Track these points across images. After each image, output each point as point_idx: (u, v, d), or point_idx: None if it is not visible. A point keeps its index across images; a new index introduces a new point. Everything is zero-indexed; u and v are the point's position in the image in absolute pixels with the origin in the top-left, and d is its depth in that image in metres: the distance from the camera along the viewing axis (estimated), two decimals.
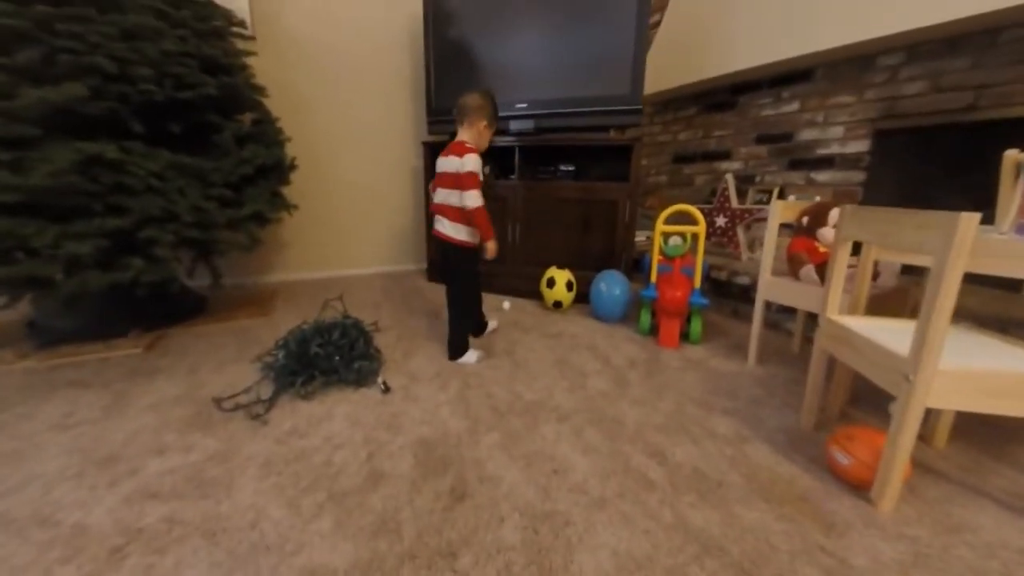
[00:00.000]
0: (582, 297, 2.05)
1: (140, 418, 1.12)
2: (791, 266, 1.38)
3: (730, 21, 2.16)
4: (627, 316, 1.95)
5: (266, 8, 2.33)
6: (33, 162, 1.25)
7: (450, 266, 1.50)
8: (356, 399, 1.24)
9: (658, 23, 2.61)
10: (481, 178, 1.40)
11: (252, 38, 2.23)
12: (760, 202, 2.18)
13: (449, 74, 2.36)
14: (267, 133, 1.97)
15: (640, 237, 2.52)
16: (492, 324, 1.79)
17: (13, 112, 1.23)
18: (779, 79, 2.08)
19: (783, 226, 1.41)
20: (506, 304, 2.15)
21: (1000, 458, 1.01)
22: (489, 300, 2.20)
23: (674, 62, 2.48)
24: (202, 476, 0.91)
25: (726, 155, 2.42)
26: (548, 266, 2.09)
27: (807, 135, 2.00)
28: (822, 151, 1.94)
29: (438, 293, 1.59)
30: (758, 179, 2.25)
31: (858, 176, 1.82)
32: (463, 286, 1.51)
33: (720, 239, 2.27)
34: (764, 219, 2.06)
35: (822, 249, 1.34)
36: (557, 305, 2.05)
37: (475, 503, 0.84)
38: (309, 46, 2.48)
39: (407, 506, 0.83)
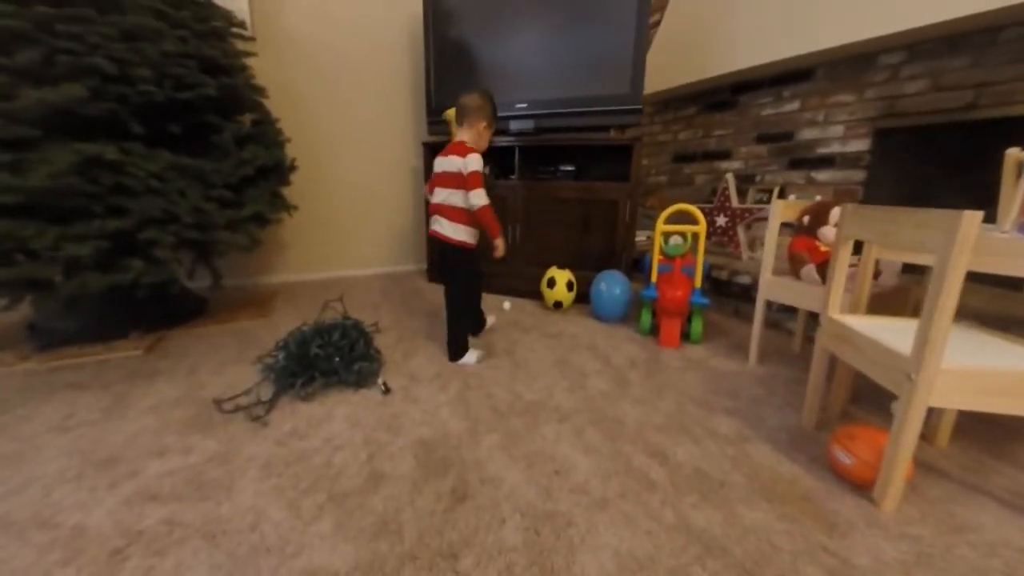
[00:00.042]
0: (582, 297, 2.04)
1: (140, 420, 1.12)
2: (792, 265, 1.38)
3: (730, 20, 2.16)
4: (627, 316, 1.94)
5: (266, 8, 2.33)
6: (32, 163, 1.25)
7: (449, 267, 1.50)
8: (356, 400, 1.23)
9: (658, 23, 2.61)
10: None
11: (252, 39, 2.23)
12: (760, 201, 2.18)
13: (449, 74, 2.36)
14: (267, 134, 1.97)
15: (640, 237, 2.52)
16: (491, 320, 1.78)
17: (12, 113, 1.23)
18: (779, 78, 2.08)
19: (784, 225, 1.41)
20: (506, 304, 2.15)
21: (1002, 457, 1.01)
22: (489, 300, 2.19)
23: (674, 62, 2.48)
24: (202, 478, 0.91)
25: (726, 154, 2.41)
26: (548, 266, 2.08)
27: (807, 134, 2.00)
28: (822, 150, 1.94)
29: (438, 294, 1.58)
30: (758, 178, 2.24)
31: (858, 175, 1.82)
32: (463, 287, 1.51)
33: (720, 239, 2.26)
34: (764, 218, 2.06)
35: (823, 248, 1.33)
36: (557, 305, 2.05)
37: (476, 504, 0.84)
38: (309, 46, 2.48)
39: (408, 507, 0.83)
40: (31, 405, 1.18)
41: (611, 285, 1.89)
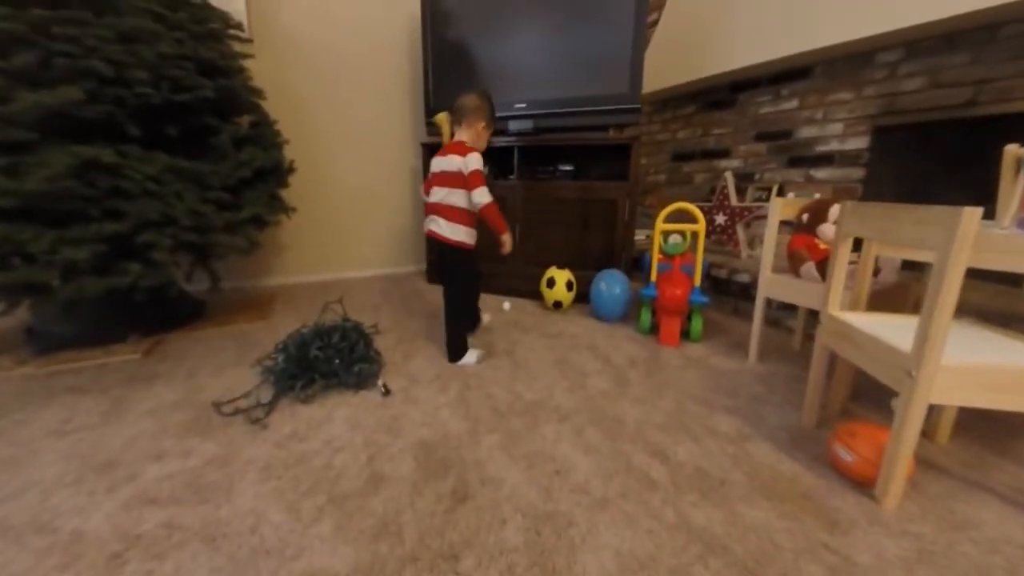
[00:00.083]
0: (582, 297, 2.04)
1: (138, 423, 1.12)
2: (791, 263, 1.38)
3: (728, 19, 2.16)
4: (627, 315, 1.94)
5: (263, 9, 2.33)
6: (29, 167, 1.25)
7: (447, 267, 1.49)
8: (356, 402, 1.23)
9: (656, 22, 2.61)
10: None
11: (249, 40, 2.23)
12: (759, 200, 2.18)
13: (447, 74, 2.36)
14: (265, 135, 1.97)
15: (640, 236, 2.52)
16: (486, 318, 1.78)
17: (9, 116, 1.22)
18: (778, 76, 2.08)
19: (783, 223, 1.41)
20: (506, 304, 2.14)
21: (1003, 453, 1.01)
22: (489, 300, 2.19)
23: (672, 61, 2.48)
24: (201, 481, 0.90)
25: (725, 153, 2.41)
26: (548, 266, 2.08)
27: (806, 132, 2.00)
28: (821, 148, 1.94)
29: (438, 295, 1.58)
30: (757, 177, 2.24)
31: (857, 173, 1.82)
32: (462, 287, 1.50)
33: (720, 237, 2.26)
34: (763, 217, 2.06)
35: (822, 246, 1.33)
36: (557, 305, 2.04)
37: (477, 505, 0.84)
38: (307, 47, 2.48)
39: (408, 509, 0.83)
40: (29, 409, 1.18)
41: (611, 284, 1.89)
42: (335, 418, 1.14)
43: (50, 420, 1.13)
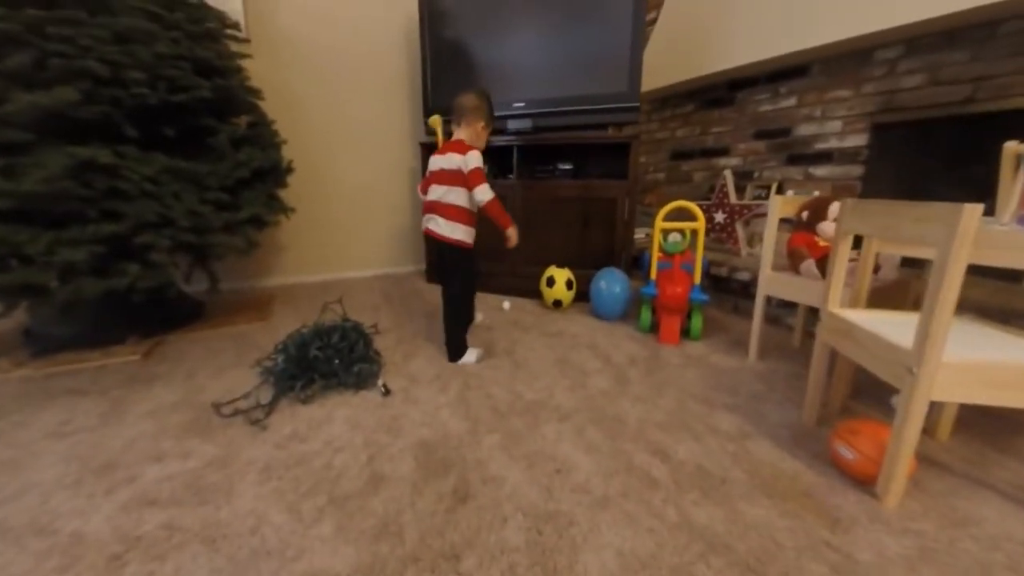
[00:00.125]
0: (582, 295, 2.04)
1: (138, 425, 1.11)
2: (791, 261, 1.38)
3: (727, 17, 2.15)
4: (627, 314, 1.94)
5: (260, 9, 2.32)
6: (25, 168, 1.24)
7: (447, 267, 1.49)
8: (356, 402, 1.23)
9: (654, 20, 2.60)
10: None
11: (247, 40, 2.22)
12: (759, 198, 2.18)
13: (446, 74, 2.35)
14: (263, 136, 1.96)
15: (639, 234, 2.52)
16: (479, 317, 1.78)
17: (4, 117, 1.22)
18: (776, 74, 2.08)
19: (782, 221, 1.40)
20: (506, 304, 2.14)
21: (1004, 450, 1.01)
22: (489, 300, 2.19)
23: (671, 59, 2.47)
24: (201, 482, 0.90)
25: (724, 151, 2.41)
26: (547, 265, 2.08)
27: (805, 130, 1.99)
28: (820, 146, 1.94)
29: (437, 294, 1.58)
30: (756, 175, 2.24)
31: (857, 170, 1.82)
32: (461, 286, 1.50)
33: (719, 235, 2.26)
34: (763, 215, 2.06)
35: (822, 243, 1.33)
36: (557, 304, 2.04)
37: (477, 504, 0.84)
38: (304, 47, 2.47)
39: (409, 509, 0.83)
40: (28, 411, 1.17)
41: (610, 283, 1.89)
42: (335, 418, 1.14)
43: (49, 422, 1.12)
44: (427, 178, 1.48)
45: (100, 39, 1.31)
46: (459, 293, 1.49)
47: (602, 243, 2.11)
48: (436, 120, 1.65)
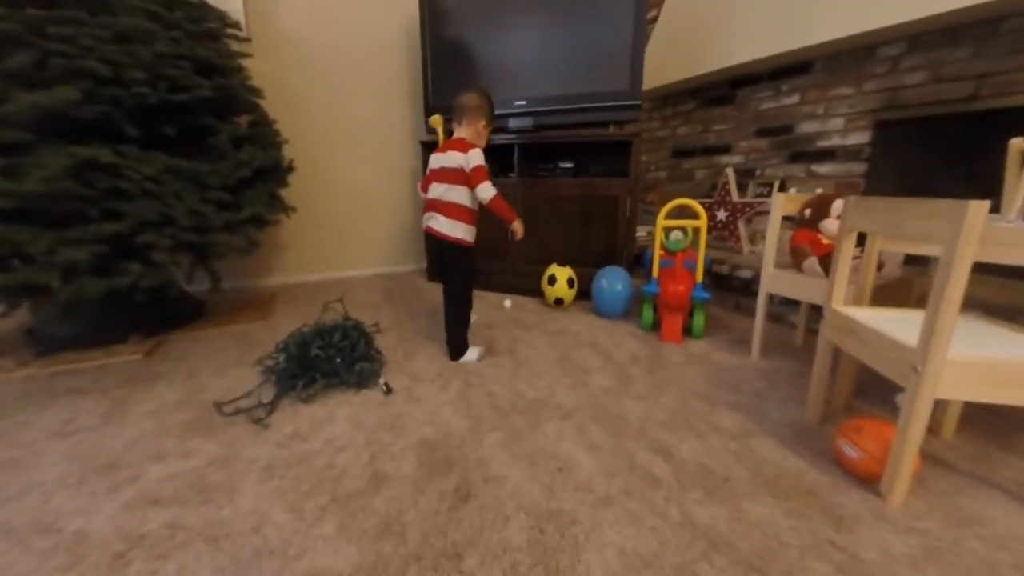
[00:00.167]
0: (583, 294, 2.04)
1: (140, 424, 1.11)
2: (794, 258, 1.37)
3: (728, 15, 2.14)
4: (629, 312, 1.94)
5: (260, 9, 2.31)
6: (26, 167, 1.24)
7: (447, 266, 1.48)
8: (358, 401, 1.23)
9: (655, 18, 2.59)
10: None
11: (247, 39, 2.22)
12: (761, 195, 2.17)
13: (446, 73, 2.35)
14: (264, 135, 1.96)
15: (641, 232, 2.51)
16: (473, 317, 1.77)
17: (5, 117, 1.22)
18: (778, 72, 2.07)
19: (785, 219, 1.40)
20: (507, 302, 2.14)
21: (1008, 448, 1.00)
22: (490, 298, 2.19)
23: (672, 57, 2.46)
24: (203, 481, 0.90)
25: (726, 149, 2.40)
26: (549, 263, 2.08)
27: (807, 127, 1.99)
28: (823, 143, 1.93)
29: (438, 293, 1.58)
30: (758, 172, 2.23)
31: (859, 167, 1.81)
32: (462, 285, 1.49)
33: (721, 233, 2.26)
34: (765, 212, 2.06)
35: (825, 241, 1.33)
36: (558, 302, 2.04)
37: (480, 503, 0.83)
38: (305, 47, 2.47)
39: (411, 508, 0.82)
40: (30, 411, 1.18)
41: (612, 281, 1.88)
42: (337, 417, 1.14)
43: (52, 421, 1.12)
44: (427, 176, 1.47)
45: (101, 39, 1.31)
46: (459, 292, 1.49)
47: (603, 241, 2.11)
48: (437, 119, 1.64)
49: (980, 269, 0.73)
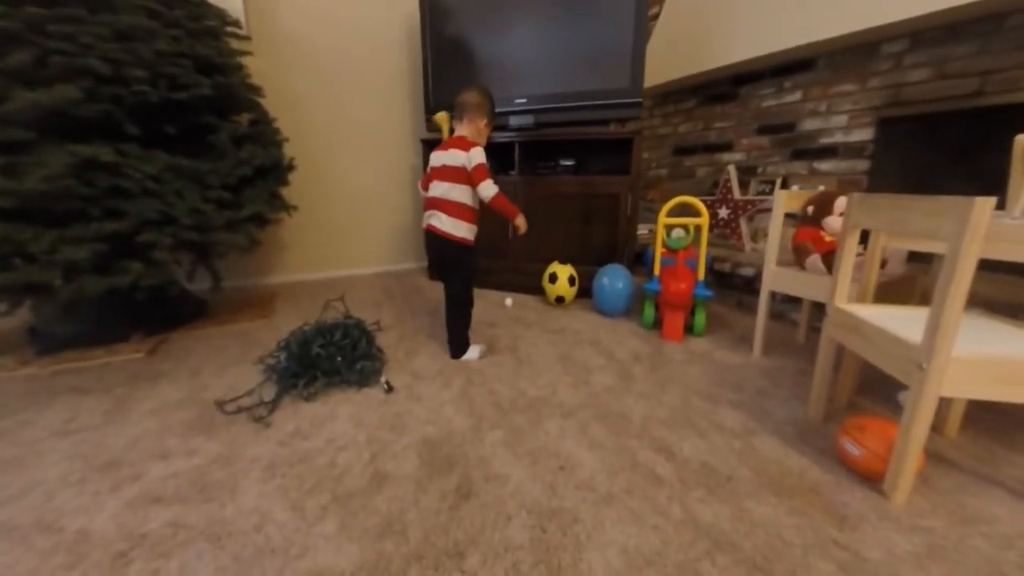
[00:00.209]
0: (585, 292, 2.03)
1: (142, 423, 1.11)
2: (796, 256, 1.37)
3: (730, 12, 2.13)
4: (630, 310, 1.93)
5: (261, 7, 2.31)
6: (27, 166, 1.24)
7: (447, 264, 1.48)
8: (359, 399, 1.23)
9: (657, 15, 2.58)
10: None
11: (247, 38, 2.21)
12: (763, 193, 2.16)
13: (447, 70, 2.34)
14: (265, 133, 1.96)
15: (642, 230, 2.51)
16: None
17: (6, 116, 1.22)
18: (780, 69, 2.06)
19: (787, 216, 1.39)
20: (508, 300, 2.13)
21: (1013, 446, 1.00)
22: (491, 296, 2.19)
23: (674, 54, 2.45)
24: (205, 480, 0.90)
25: (727, 147, 2.39)
26: (550, 261, 2.07)
27: (810, 125, 1.98)
28: (825, 140, 1.92)
29: (439, 291, 1.58)
30: (760, 170, 2.22)
31: (862, 165, 1.80)
32: (464, 283, 1.49)
33: (723, 231, 2.25)
34: (767, 210, 2.05)
35: (828, 238, 1.32)
36: (559, 300, 2.03)
37: (481, 502, 0.83)
38: (305, 45, 2.46)
39: (412, 506, 0.82)
40: (33, 410, 1.18)
41: (613, 279, 1.88)
42: (338, 416, 1.14)
43: (53, 420, 1.13)
44: (428, 174, 1.47)
45: (101, 37, 1.30)
46: (461, 291, 1.48)
47: (605, 239, 2.10)
48: (443, 116, 1.64)
49: (983, 266, 0.72)
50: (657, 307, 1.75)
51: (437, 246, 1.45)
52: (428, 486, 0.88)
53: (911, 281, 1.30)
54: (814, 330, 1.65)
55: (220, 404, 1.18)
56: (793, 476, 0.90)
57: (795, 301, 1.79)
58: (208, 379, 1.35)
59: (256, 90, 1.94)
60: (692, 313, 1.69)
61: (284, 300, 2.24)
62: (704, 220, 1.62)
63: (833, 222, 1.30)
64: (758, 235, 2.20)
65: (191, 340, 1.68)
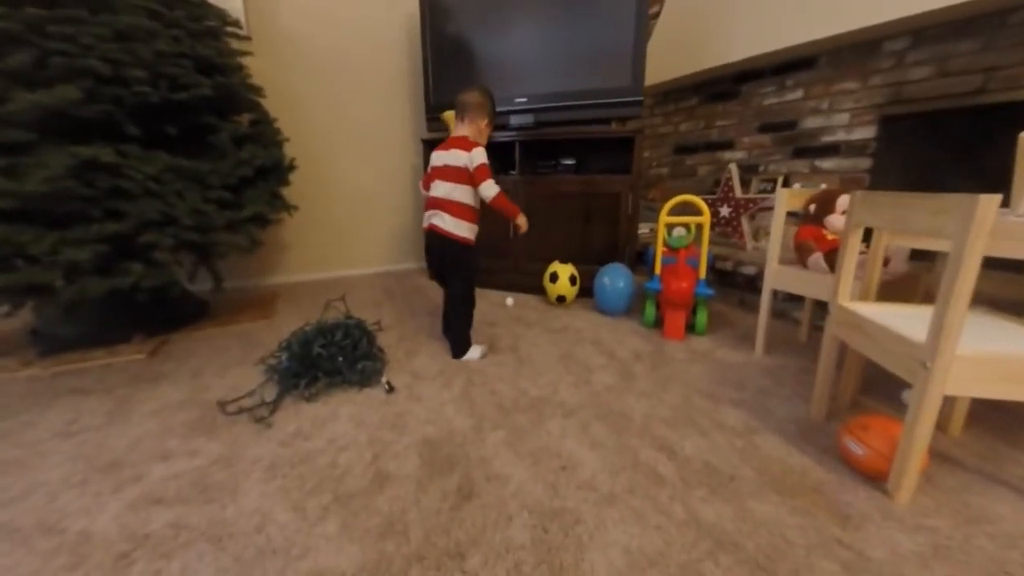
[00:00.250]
0: (586, 291, 2.03)
1: (144, 424, 1.11)
2: (799, 254, 1.36)
3: (731, 10, 2.12)
4: (631, 309, 1.93)
5: (261, 8, 2.31)
6: (28, 167, 1.24)
7: (448, 264, 1.47)
8: (360, 400, 1.22)
9: (657, 14, 2.57)
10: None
11: (247, 38, 2.21)
12: (764, 191, 2.15)
13: (447, 70, 2.34)
14: (265, 134, 1.95)
15: (643, 229, 2.50)
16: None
17: (6, 117, 1.22)
18: (782, 67, 2.05)
19: (789, 214, 1.39)
20: (509, 300, 2.13)
21: (1017, 445, 0.99)
22: (492, 296, 2.18)
23: (675, 53, 2.45)
24: (207, 480, 0.90)
25: (729, 145, 2.39)
26: (551, 261, 2.07)
27: (812, 123, 1.97)
28: (827, 138, 1.91)
29: (440, 291, 1.57)
30: (762, 168, 2.22)
31: (864, 163, 1.80)
32: (466, 283, 1.48)
33: (724, 229, 2.24)
34: (768, 208, 2.04)
35: (830, 237, 1.31)
36: (560, 300, 2.03)
37: (483, 502, 0.83)
38: (306, 45, 2.46)
39: (414, 507, 0.82)
40: (34, 411, 1.18)
41: (614, 278, 1.87)
42: (339, 416, 1.14)
43: (55, 421, 1.13)
44: (429, 173, 1.47)
45: (101, 37, 1.30)
46: (463, 291, 1.48)
47: (606, 238, 2.10)
48: (450, 116, 1.64)
49: (986, 264, 0.72)
50: (658, 306, 1.74)
51: (439, 246, 1.44)
52: (429, 486, 0.87)
53: (914, 279, 1.29)
54: (816, 328, 1.65)
55: (221, 405, 1.18)
56: (796, 475, 0.90)
57: (797, 299, 1.79)
58: (209, 380, 1.35)
59: (256, 90, 1.94)
60: (694, 312, 1.69)
61: (285, 300, 2.24)
62: (705, 219, 1.61)
63: (835, 220, 1.29)
64: (760, 233, 2.19)
65: (192, 341, 1.69)
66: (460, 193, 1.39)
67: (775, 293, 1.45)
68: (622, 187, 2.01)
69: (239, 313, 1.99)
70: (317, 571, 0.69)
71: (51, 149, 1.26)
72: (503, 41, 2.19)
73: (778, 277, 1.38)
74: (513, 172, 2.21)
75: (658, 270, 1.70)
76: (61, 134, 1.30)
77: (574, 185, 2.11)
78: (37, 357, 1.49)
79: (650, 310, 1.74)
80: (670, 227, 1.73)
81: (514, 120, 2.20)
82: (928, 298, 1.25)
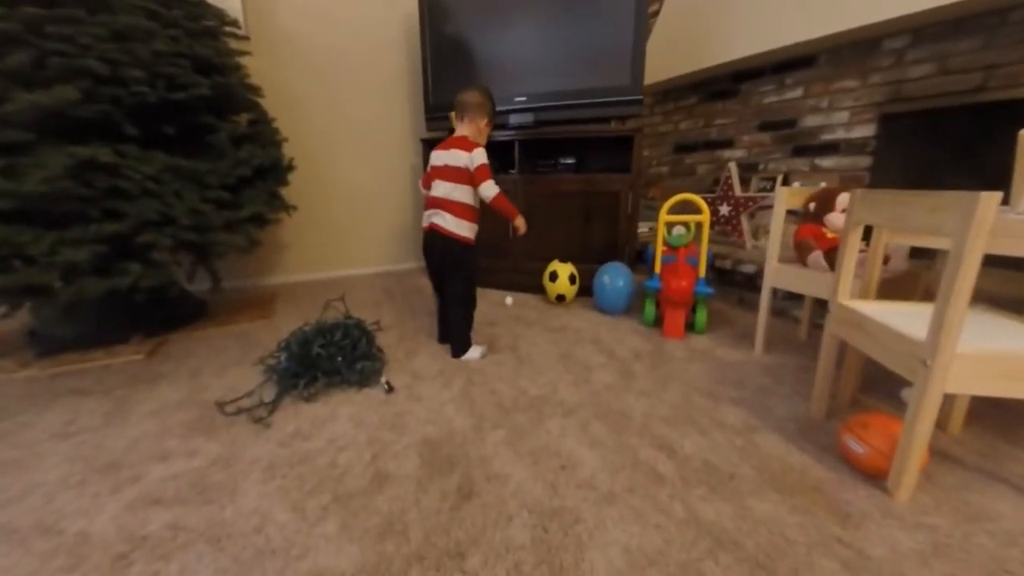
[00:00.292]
0: (585, 290, 2.03)
1: (142, 424, 1.11)
2: (798, 253, 1.36)
3: (730, 8, 2.12)
4: (631, 308, 1.93)
5: (259, 7, 2.30)
6: (26, 168, 1.24)
7: (448, 264, 1.46)
8: (359, 400, 1.22)
9: (657, 12, 2.57)
10: None
11: (246, 38, 2.21)
12: (764, 190, 2.15)
13: (446, 69, 2.33)
14: (264, 133, 1.95)
15: (643, 228, 2.50)
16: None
17: (4, 117, 1.21)
18: (781, 65, 2.05)
19: (789, 213, 1.39)
20: (509, 299, 2.13)
21: (1017, 443, 0.99)
22: (492, 295, 2.18)
23: (674, 51, 2.44)
24: (205, 481, 0.90)
25: (728, 143, 2.38)
26: (550, 260, 2.07)
27: (811, 121, 1.97)
28: (827, 137, 1.91)
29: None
30: (761, 167, 2.22)
31: (864, 161, 1.79)
32: (467, 283, 1.48)
33: (724, 228, 2.24)
34: (768, 207, 2.04)
35: (829, 235, 1.31)
36: (560, 299, 2.03)
37: (482, 502, 0.83)
38: (304, 45, 2.46)
39: (413, 507, 0.82)
40: (33, 412, 1.18)
41: (614, 277, 1.87)
42: (339, 416, 1.14)
43: (53, 422, 1.12)
44: (429, 173, 1.47)
45: (99, 37, 1.30)
46: (462, 291, 1.48)
47: (605, 237, 2.10)
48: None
49: (986, 261, 0.72)
50: (658, 305, 1.74)
51: (439, 245, 1.43)
52: (429, 486, 0.87)
53: (914, 277, 1.29)
54: (816, 327, 1.65)
55: (220, 405, 1.18)
56: (795, 473, 0.89)
57: (797, 298, 1.79)
58: (208, 380, 1.35)
59: (255, 90, 1.93)
60: (693, 310, 1.68)
61: (284, 300, 2.23)
62: (705, 217, 1.61)
63: (835, 218, 1.29)
64: (759, 232, 2.19)
65: (191, 341, 1.68)
66: (460, 193, 1.39)
67: (775, 291, 1.45)
68: (622, 186, 2.01)
69: (238, 313, 1.98)
70: (316, 571, 0.69)
71: (49, 149, 1.26)
72: (502, 40, 2.19)
73: (778, 275, 1.38)
74: (513, 171, 2.20)
75: (658, 269, 1.70)
76: (59, 134, 1.29)
77: (574, 184, 2.11)
78: (35, 358, 1.49)
79: (650, 309, 1.74)
80: (670, 226, 1.73)
81: (514, 119, 2.20)
82: (928, 296, 1.25)
